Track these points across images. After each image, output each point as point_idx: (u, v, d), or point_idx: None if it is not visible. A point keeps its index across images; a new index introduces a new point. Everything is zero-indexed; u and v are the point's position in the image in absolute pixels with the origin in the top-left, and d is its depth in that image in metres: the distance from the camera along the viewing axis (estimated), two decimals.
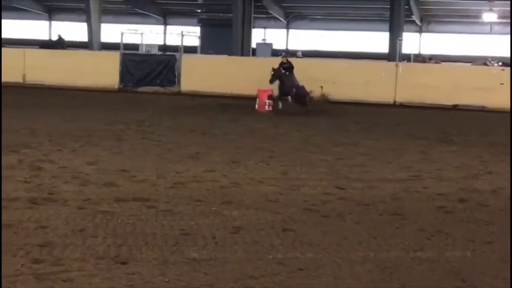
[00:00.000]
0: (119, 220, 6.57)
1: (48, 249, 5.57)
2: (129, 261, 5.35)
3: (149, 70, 25.09)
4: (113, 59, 25.64)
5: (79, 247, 5.66)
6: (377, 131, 15.29)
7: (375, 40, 37.97)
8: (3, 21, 41.45)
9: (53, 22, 43.33)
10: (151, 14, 40.64)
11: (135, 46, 28.24)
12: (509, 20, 30.39)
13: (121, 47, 26.35)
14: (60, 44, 32.31)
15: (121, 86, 25.13)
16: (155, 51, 28.61)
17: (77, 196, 7.50)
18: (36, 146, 10.91)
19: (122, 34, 26.55)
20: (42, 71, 25.53)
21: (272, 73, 18.78)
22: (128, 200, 7.41)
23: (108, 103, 20.26)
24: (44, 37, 40.88)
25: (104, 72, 25.25)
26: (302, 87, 19.17)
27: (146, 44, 28.28)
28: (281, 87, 18.88)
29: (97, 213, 6.83)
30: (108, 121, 15.03)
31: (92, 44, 31.02)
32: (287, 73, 19.12)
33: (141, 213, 6.92)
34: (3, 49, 28.59)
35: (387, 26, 30.98)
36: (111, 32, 33.59)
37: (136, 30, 28.82)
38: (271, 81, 18.78)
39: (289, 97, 18.85)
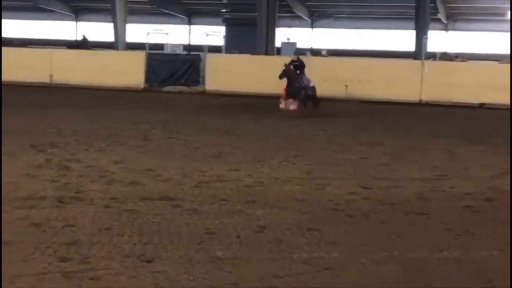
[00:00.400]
0: (145, 219, 6.62)
1: (75, 247, 5.63)
2: (154, 259, 5.39)
3: (174, 70, 25.24)
4: (139, 59, 25.81)
5: (106, 246, 5.71)
6: (403, 130, 15.22)
7: (401, 39, 37.77)
8: (30, 22, 41.92)
9: (80, 23, 43.68)
10: (176, 14, 40.84)
11: (160, 46, 28.40)
12: None
13: (147, 47, 26.51)
14: (84, 44, 32.59)
15: (146, 85, 25.29)
16: (180, 50, 28.77)
17: (104, 195, 7.57)
18: (63, 146, 11.02)
19: (147, 34, 26.70)
20: (68, 71, 25.76)
21: (284, 68, 18.15)
22: (154, 199, 7.45)
23: (134, 102, 20.40)
24: (71, 37, 41.24)
25: (130, 72, 25.43)
26: (313, 88, 18.29)
27: (171, 44, 28.43)
28: (287, 87, 18.15)
29: (123, 211, 6.88)
30: (134, 120, 15.13)
31: (118, 44, 31.23)
32: (298, 71, 18.34)
33: (166, 212, 6.96)
34: (30, 50, 28.91)
35: (412, 24, 30.80)
36: (136, 32, 33.80)
37: (161, 30, 28.97)
38: (280, 77, 18.07)
39: (291, 100, 17.96)
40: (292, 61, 18.49)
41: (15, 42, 33.97)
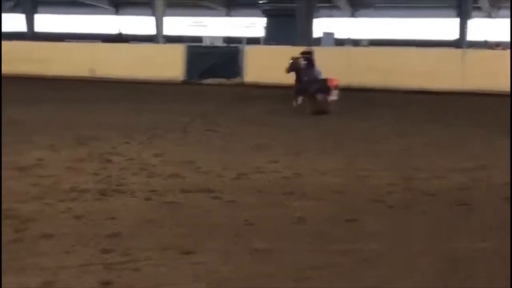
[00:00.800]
0: (185, 211, 6.68)
1: (117, 239, 5.71)
2: (193, 251, 5.44)
3: (213, 62, 25.31)
4: (178, 52, 25.96)
5: (146, 238, 5.78)
6: (444, 120, 15.06)
7: (442, 27, 37.28)
8: (71, 16, 42.45)
9: (120, 17, 44.09)
10: (215, 6, 40.93)
11: (199, 39, 28.56)
12: None
13: (186, 39, 26.66)
14: (120, 38, 32.91)
15: (185, 78, 25.43)
16: (219, 43, 28.89)
17: (144, 188, 7.65)
18: (105, 139, 11.16)
19: (186, 27, 26.85)
20: (109, 65, 26.05)
21: (291, 61, 16.61)
22: (193, 191, 7.51)
23: (173, 95, 20.54)
24: (111, 31, 41.63)
25: (169, 65, 25.60)
26: (325, 82, 16.17)
27: (210, 36, 28.56)
28: (296, 82, 16.50)
29: (163, 204, 6.96)
30: (173, 113, 15.24)
31: (157, 37, 31.47)
32: (307, 65, 16.56)
33: (205, 204, 7.02)
34: (71, 44, 29.26)
35: (454, 12, 30.39)
36: (175, 25, 34.00)
37: (200, 23, 29.10)
38: (288, 71, 16.57)
39: (300, 98, 16.18)
40: (303, 53, 16.97)
41: (55, 36, 34.44)
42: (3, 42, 26.70)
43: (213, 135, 12.07)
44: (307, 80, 16.18)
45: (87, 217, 6.38)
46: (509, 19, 37.03)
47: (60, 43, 30.27)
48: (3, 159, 9.00)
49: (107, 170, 8.63)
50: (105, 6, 43.00)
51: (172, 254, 5.39)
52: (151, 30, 32.33)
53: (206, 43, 27.85)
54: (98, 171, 8.51)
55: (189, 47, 26.01)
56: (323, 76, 16.38)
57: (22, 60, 26.24)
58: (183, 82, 25.08)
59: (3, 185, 7.53)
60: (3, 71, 24.82)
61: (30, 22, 33.04)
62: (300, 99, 16.11)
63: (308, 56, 16.68)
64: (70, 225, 6.11)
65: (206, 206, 6.91)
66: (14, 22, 40.31)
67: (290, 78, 22.24)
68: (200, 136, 11.98)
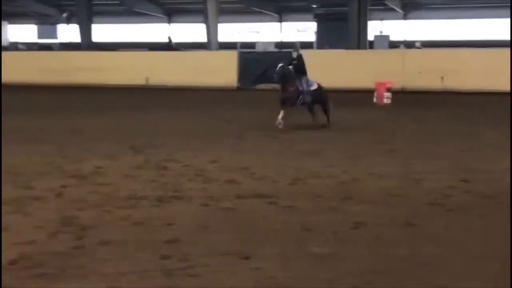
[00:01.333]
0: (241, 217, 6.69)
1: (175, 245, 5.75)
2: (252, 256, 5.44)
3: (266, 68, 25.33)
4: (231, 58, 26.09)
5: (204, 243, 5.81)
6: (501, 121, 14.76)
7: (497, 27, 36.61)
8: (128, 25, 43.11)
9: (172, 25, 44.55)
10: (266, 12, 41.02)
11: (251, 45, 28.64)
12: None
13: (238, 46, 26.77)
14: (171, 46, 33.24)
15: (239, 84, 25.53)
16: (271, 48, 28.90)
17: (201, 194, 7.69)
18: (161, 146, 11.27)
19: (239, 33, 26.97)
20: (163, 73, 26.34)
21: (278, 69, 14.22)
22: (249, 197, 7.52)
23: (227, 101, 20.65)
24: (165, 39, 42.10)
25: (222, 72, 25.76)
26: (317, 92, 14.29)
27: (262, 42, 28.61)
28: (281, 91, 14.28)
29: (220, 210, 6.99)
30: (228, 119, 15.31)
31: (210, 44, 31.68)
32: (294, 72, 14.27)
33: (262, 209, 7.02)
34: (127, 53, 29.71)
35: (508, 12, 29.80)
36: (228, 31, 34.19)
37: (252, 29, 29.21)
38: (276, 79, 14.37)
39: (282, 113, 13.77)
40: (292, 60, 14.55)
41: (110, 46, 35.02)
42: (59, 52, 27.28)
43: (268, 141, 12.09)
44: (291, 91, 14.00)
45: (145, 224, 6.45)
46: None
47: (116, 52, 30.77)
48: (64, 167, 9.20)
49: (164, 177, 8.71)
50: (159, 15, 43.52)
51: (230, 259, 5.40)
52: (204, 38, 32.59)
53: (259, 49, 27.86)
54: (155, 178, 8.60)
55: (242, 53, 26.11)
56: (315, 83, 14.45)
57: (79, 70, 26.77)
58: (237, 88, 25.18)
59: (64, 193, 7.69)
60: (59, 81, 25.37)
61: (86, 32, 33.69)
62: (282, 114, 13.78)
63: (296, 63, 14.40)
64: (129, 232, 6.19)
65: (263, 212, 6.91)
66: (69, 32, 41.16)
67: (343, 81, 21.78)
68: (255, 141, 12.00)
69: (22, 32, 43.73)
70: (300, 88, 14.05)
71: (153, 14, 43.17)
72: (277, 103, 14.23)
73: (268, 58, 25.78)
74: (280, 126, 13.40)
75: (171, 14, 44.43)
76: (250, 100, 21.07)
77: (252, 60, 25.79)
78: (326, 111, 14.33)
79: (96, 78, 26.42)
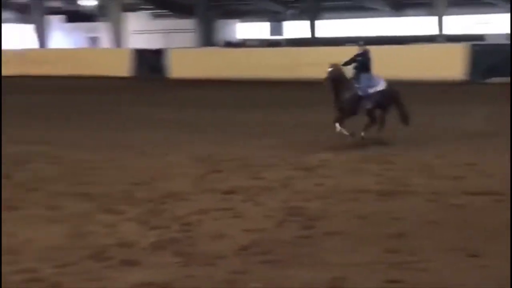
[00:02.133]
0: (469, 214, 6.53)
1: (401, 239, 5.77)
2: (480, 254, 5.31)
3: (499, 61, 24.18)
4: (459, 51, 25.26)
5: (430, 238, 5.76)
6: None
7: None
8: (351, 20, 43.50)
9: (400, 18, 44.04)
10: (497, 2, 39.12)
11: (479, 37, 27.53)
12: None
13: (466, 38, 25.82)
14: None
15: (468, 78, 24.64)
16: (503, 40, 27.57)
17: (425, 189, 7.61)
18: (386, 142, 11.08)
19: (468, 25, 26.05)
20: (388, 67, 26.10)
21: (329, 69, 11.24)
22: (477, 194, 7.32)
23: (455, 95, 20.02)
24: (391, 33, 41.73)
25: (450, 65, 25.00)
26: (385, 92, 11.24)
27: (492, 34, 27.40)
28: (334, 98, 11.18)
29: (448, 206, 6.88)
30: (456, 114, 14.83)
31: (438, 37, 30.90)
32: (356, 71, 11.38)
33: (489, 206, 6.83)
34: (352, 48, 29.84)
35: None
36: (457, 23, 33.16)
37: (481, 20, 28.09)
38: (326, 84, 11.21)
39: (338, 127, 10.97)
40: (356, 56, 11.59)
41: (336, 41, 35.38)
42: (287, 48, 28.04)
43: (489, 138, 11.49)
44: (349, 97, 11.10)
45: (370, 217, 6.52)
46: None
47: (341, 47, 31.08)
48: (290, 160, 9.53)
49: (389, 171, 8.70)
50: (385, 9, 43.17)
51: (457, 256, 5.33)
52: (432, 30, 31.83)
53: (489, 41, 26.69)
54: (380, 172, 8.62)
55: (473, 46, 25.12)
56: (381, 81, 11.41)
57: (306, 65, 27.40)
58: (465, 82, 24.33)
59: (290, 184, 7.99)
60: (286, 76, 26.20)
61: (313, 27, 34.47)
62: (339, 128, 11.03)
63: (361, 59, 11.50)
64: (353, 224, 6.30)
65: (491, 209, 6.70)
66: (298, 28, 42.22)
67: None
68: (480, 139, 11.46)
69: (253, 29, 45.49)
70: (360, 93, 11.12)
71: (379, 7, 42.98)
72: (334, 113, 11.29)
73: (502, 51, 24.59)
74: (349, 139, 10.89)
75: (398, 7, 43.90)
76: (479, 94, 20.19)
77: (484, 52, 24.70)
78: (403, 115, 11.34)
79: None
